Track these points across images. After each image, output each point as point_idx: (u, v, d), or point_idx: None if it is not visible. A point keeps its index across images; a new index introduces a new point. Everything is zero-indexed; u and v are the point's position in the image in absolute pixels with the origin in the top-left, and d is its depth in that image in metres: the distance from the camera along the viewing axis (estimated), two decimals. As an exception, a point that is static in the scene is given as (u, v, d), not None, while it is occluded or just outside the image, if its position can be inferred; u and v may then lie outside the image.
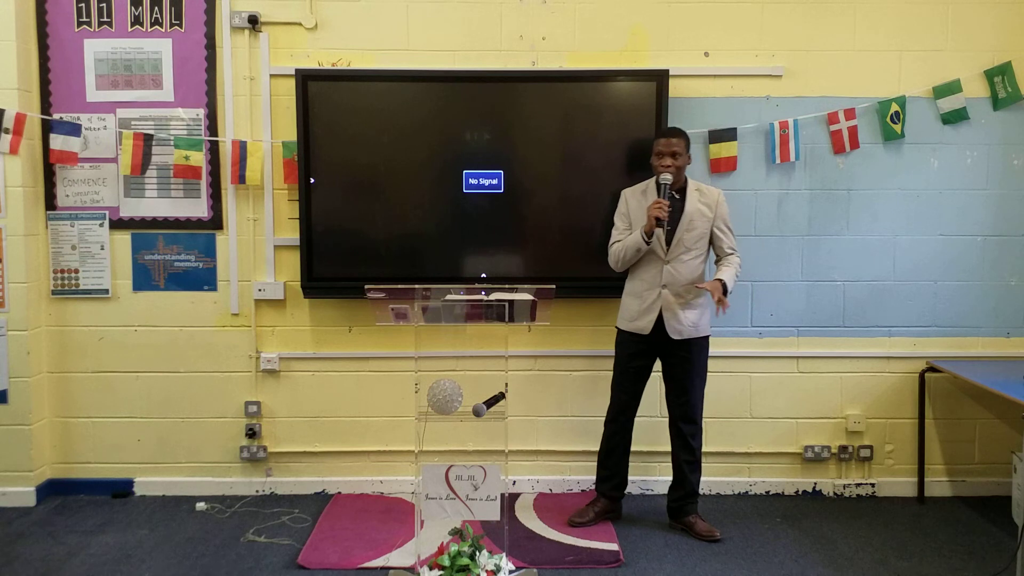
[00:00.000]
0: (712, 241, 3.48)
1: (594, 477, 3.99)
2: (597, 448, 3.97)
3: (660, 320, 3.41)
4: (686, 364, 3.47)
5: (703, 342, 3.50)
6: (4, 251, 3.77)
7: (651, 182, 3.45)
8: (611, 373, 3.96)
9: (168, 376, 3.95)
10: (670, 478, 4.00)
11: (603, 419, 3.92)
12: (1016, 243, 3.92)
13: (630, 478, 3.76)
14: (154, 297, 3.93)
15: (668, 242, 3.40)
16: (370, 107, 3.76)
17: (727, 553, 3.35)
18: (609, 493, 3.63)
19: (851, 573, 3.19)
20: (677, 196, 3.42)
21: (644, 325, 3.44)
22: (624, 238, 3.46)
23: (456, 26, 3.84)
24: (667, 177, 3.34)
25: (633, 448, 3.95)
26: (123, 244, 3.91)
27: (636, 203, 3.48)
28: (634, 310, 3.47)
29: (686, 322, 3.41)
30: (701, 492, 3.98)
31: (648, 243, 3.37)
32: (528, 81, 3.78)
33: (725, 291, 3.31)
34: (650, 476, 3.99)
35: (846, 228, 3.92)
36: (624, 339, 3.54)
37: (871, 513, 3.78)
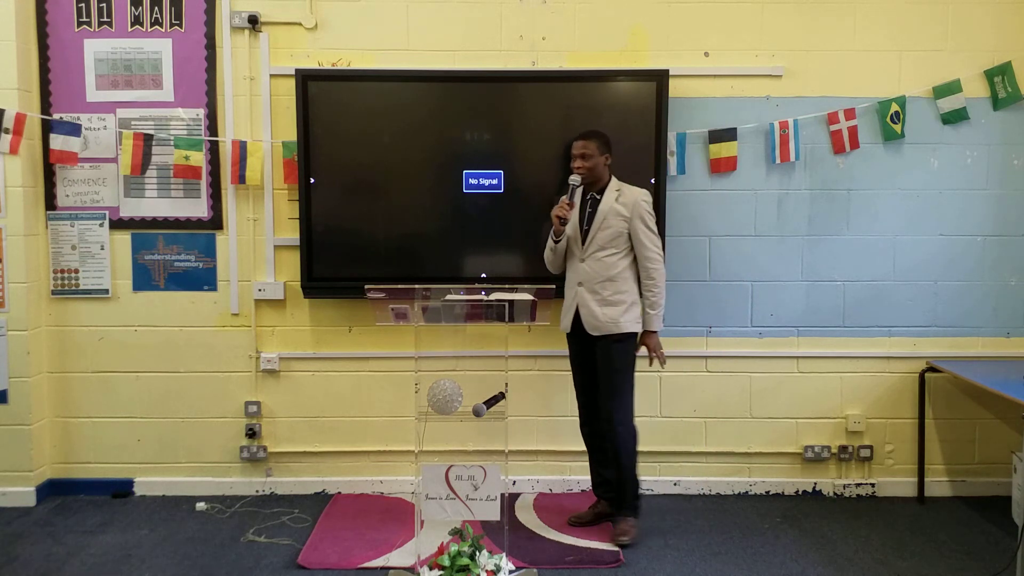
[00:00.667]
0: (634, 245, 3.40)
1: (594, 477, 4.00)
2: (597, 448, 3.98)
3: (579, 317, 3.42)
4: (605, 360, 3.43)
5: (625, 338, 3.41)
6: (4, 251, 3.77)
7: (581, 183, 3.42)
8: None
9: (168, 376, 3.95)
10: (670, 478, 4.01)
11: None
12: (1016, 243, 3.92)
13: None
14: (154, 297, 3.93)
15: (583, 241, 3.41)
16: (370, 107, 3.76)
17: (727, 553, 3.35)
18: (602, 495, 3.63)
19: (851, 573, 3.19)
20: (598, 196, 3.43)
21: (567, 323, 3.48)
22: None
23: (456, 26, 3.84)
24: (575, 179, 3.37)
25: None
26: (123, 244, 3.91)
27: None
28: (563, 309, 3.52)
29: (604, 318, 3.37)
30: (701, 492, 4.00)
31: (556, 243, 3.43)
32: (528, 81, 3.78)
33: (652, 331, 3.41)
34: (650, 476, 3.98)
35: (846, 228, 3.92)
36: (567, 339, 3.58)
37: (871, 513, 3.78)
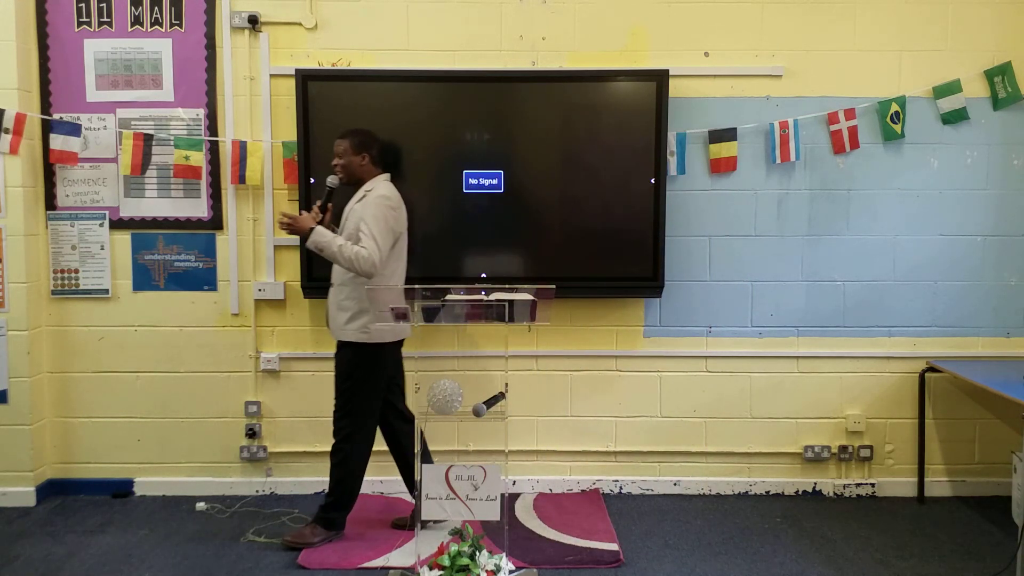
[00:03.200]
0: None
1: (594, 477, 4.00)
2: (597, 448, 3.98)
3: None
4: (336, 363, 3.41)
5: (351, 348, 3.31)
6: (4, 251, 3.77)
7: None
8: (609, 373, 3.98)
9: (168, 376, 3.95)
10: (670, 478, 4.01)
11: (602, 419, 3.94)
12: (1016, 243, 3.92)
13: (629, 478, 3.77)
14: (154, 297, 3.93)
15: None
16: (370, 107, 3.76)
17: (727, 553, 3.35)
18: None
19: (851, 573, 3.19)
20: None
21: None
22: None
23: (456, 26, 3.84)
24: (332, 179, 3.36)
25: (631, 448, 3.98)
26: (123, 244, 3.91)
27: None
28: None
29: (336, 321, 3.34)
30: (701, 492, 3.99)
31: (304, 246, 3.35)
32: (528, 81, 3.78)
33: (304, 235, 3.23)
34: (650, 476, 3.99)
35: (846, 228, 3.92)
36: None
37: (871, 513, 3.78)
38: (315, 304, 3.91)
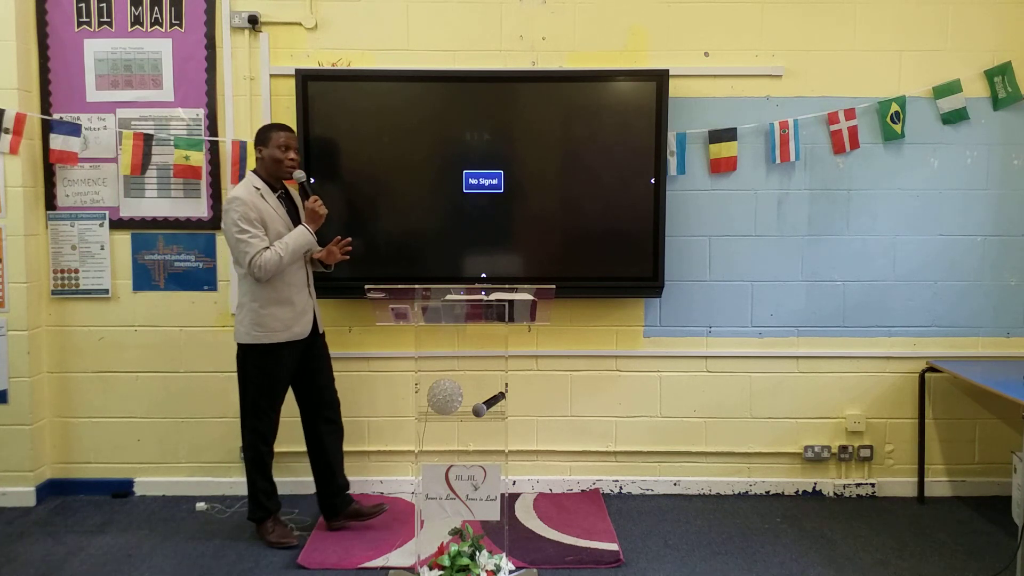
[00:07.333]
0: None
1: (594, 477, 4.00)
2: (597, 448, 3.98)
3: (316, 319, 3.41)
4: (324, 354, 3.48)
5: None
6: (4, 251, 3.77)
7: (258, 182, 3.29)
8: (609, 373, 3.97)
9: (168, 376, 3.95)
10: (670, 478, 4.00)
11: (602, 419, 3.93)
12: (1016, 243, 3.92)
13: (629, 478, 3.77)
14: (154, 297, 3.93)
15: None
16: (370, 107, 3.76)
17: (727, 553, 3.35)
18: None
19: (851, 573, 3.19)
20: (285, 192, 3.42)
21: (302, 329, 3.34)
22: (268, 243, 3.20)
23: (456, 26, 3.84)
24: (301, 172, 3.35)
25: (631, 448, 3.98)
26: (123, 244, 3.91)
27: (264, 205, 3.26)
28: (287, 318, 3.29)
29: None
30: (701, 492, 3.99)
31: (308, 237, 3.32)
32: (528, 81, 3.78)
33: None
34: (650, 476, 3.99)
35: (846, 228, 3.92)
36: (277, 351, 3.30)
37: (871, 513, 3.78)
38: (315, 304, 3.91)
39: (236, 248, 3.21)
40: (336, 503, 3.51)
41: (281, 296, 3.27)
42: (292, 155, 3.31)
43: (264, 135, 3.32)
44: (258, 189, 3.27)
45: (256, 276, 3.19)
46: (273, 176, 3.33)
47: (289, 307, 3.29)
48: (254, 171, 3.35)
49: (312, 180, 3.72)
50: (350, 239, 3.48)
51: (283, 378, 3.38)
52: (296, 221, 3.35)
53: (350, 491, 3.57)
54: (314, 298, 3.42)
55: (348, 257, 3.49)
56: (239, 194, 3.21)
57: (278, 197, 3.34)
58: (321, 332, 3.46)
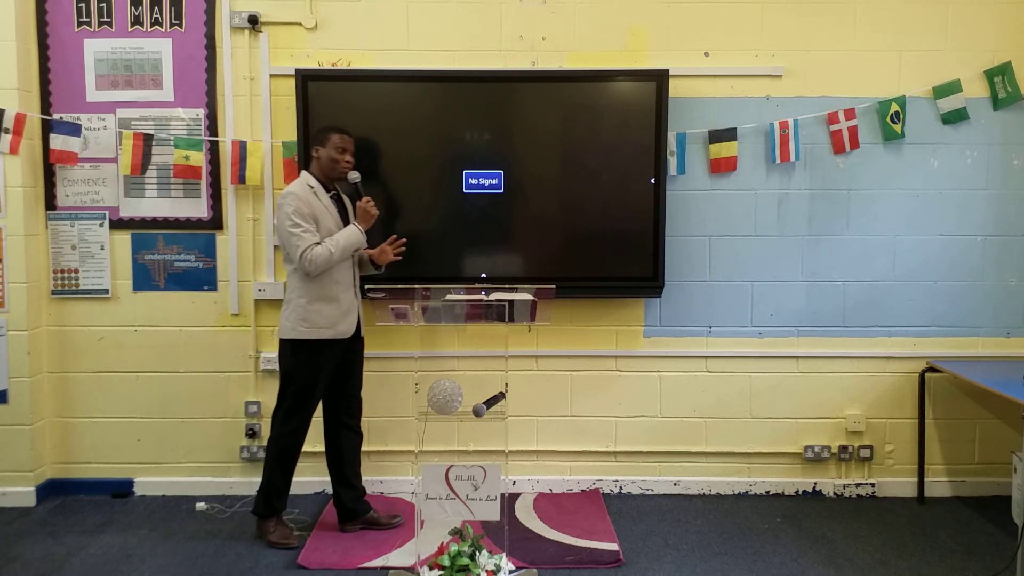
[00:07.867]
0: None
1: (594, 477, 4.00)
2: (597, 448, 3.98)
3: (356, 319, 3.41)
4: (359, 359, 3.49)
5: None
6: (4, 251, 3.77)
7: (313, 181, 3.32)
8: (609, 373, 3.97)
9: (168, 376, 3.95)
10: (670, 478, 4.00)
11: (602, 419, 3.93)
12: (1016, 243, 3.92)
13: (629, 478, 3.76)
14: (154, 297, 3.93)
15: None
16: (370, 107, 3.76)
17: (727, 553, 3.35)
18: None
19: (851, 573, 3.19)
20: (338, 192, 3.44)
21: (347, 328, 3.33)
22: (319, 239, 3.23)
23: (456, 26, 3.84)
24: (356, 174, 3.37)
25: (631, 448, 3.98)
26: (123, 244, 3.91)
27: (317, 203, 3.29)
28: (333, 315, 3.29)
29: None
30: (701, 492, 3.99)
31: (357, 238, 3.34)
32: (528, 81, 3.78)
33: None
34: (650, 476, 3.99)
35: (846, 228, 3.92)
36: (321, 348, 3.29)
37: (871, 513, 3.78)
38: (315, 304, 3.91)
39: (288, 242, 3.23)
40: (356, 508, 3.52)
41: (328, 293, 3.29)
42: (348, 157, 3.35)
43: (323, 136, 3.34)
44: (312, 187, 3.31)
45: (306, 270, 3.21)
46: (327, 176, 3.36)
47: (335, 304, 3.30)
48: (308, 170, 3.38)
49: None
50: (404, 239, 3.46)
51: (324, 376, 3.36)
52: (347, 223, 3.37)
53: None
54: (359, 299, 3.42)
55: (400, 258, 3.46)
56: (294, 190, 3.26)
57: (331, 197, 3.36)
58: (362, 336, 3.44)
